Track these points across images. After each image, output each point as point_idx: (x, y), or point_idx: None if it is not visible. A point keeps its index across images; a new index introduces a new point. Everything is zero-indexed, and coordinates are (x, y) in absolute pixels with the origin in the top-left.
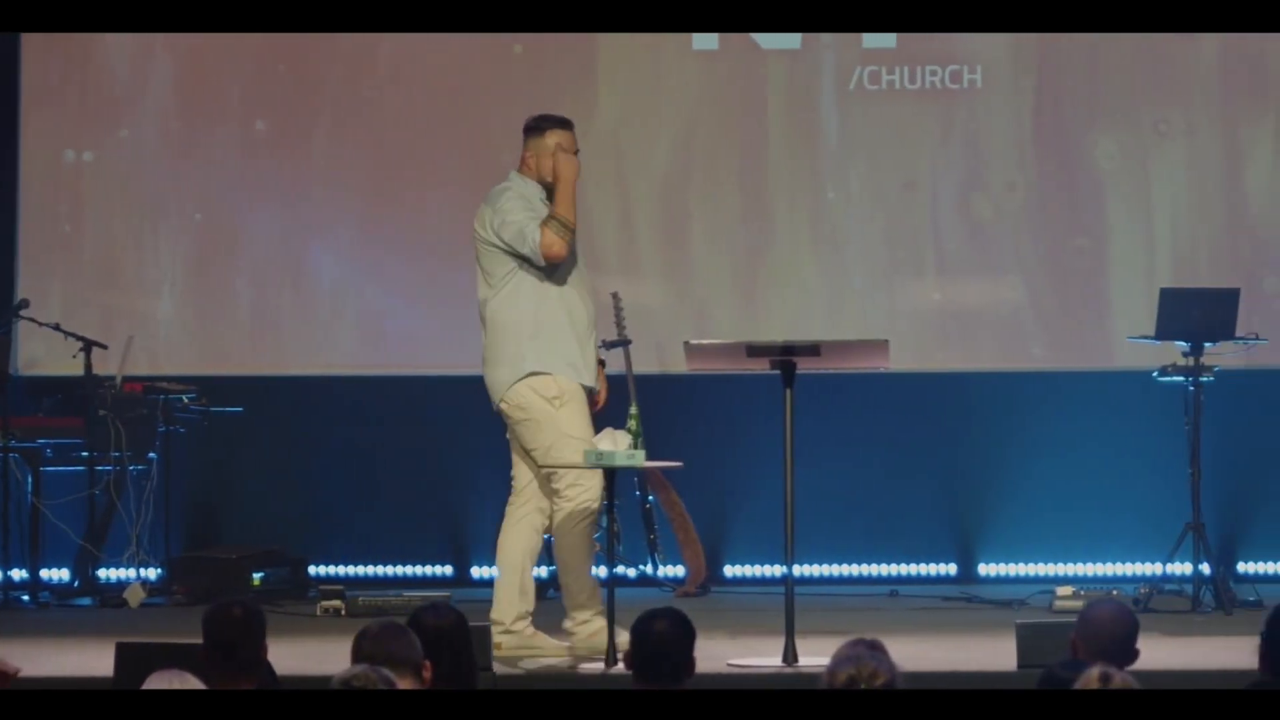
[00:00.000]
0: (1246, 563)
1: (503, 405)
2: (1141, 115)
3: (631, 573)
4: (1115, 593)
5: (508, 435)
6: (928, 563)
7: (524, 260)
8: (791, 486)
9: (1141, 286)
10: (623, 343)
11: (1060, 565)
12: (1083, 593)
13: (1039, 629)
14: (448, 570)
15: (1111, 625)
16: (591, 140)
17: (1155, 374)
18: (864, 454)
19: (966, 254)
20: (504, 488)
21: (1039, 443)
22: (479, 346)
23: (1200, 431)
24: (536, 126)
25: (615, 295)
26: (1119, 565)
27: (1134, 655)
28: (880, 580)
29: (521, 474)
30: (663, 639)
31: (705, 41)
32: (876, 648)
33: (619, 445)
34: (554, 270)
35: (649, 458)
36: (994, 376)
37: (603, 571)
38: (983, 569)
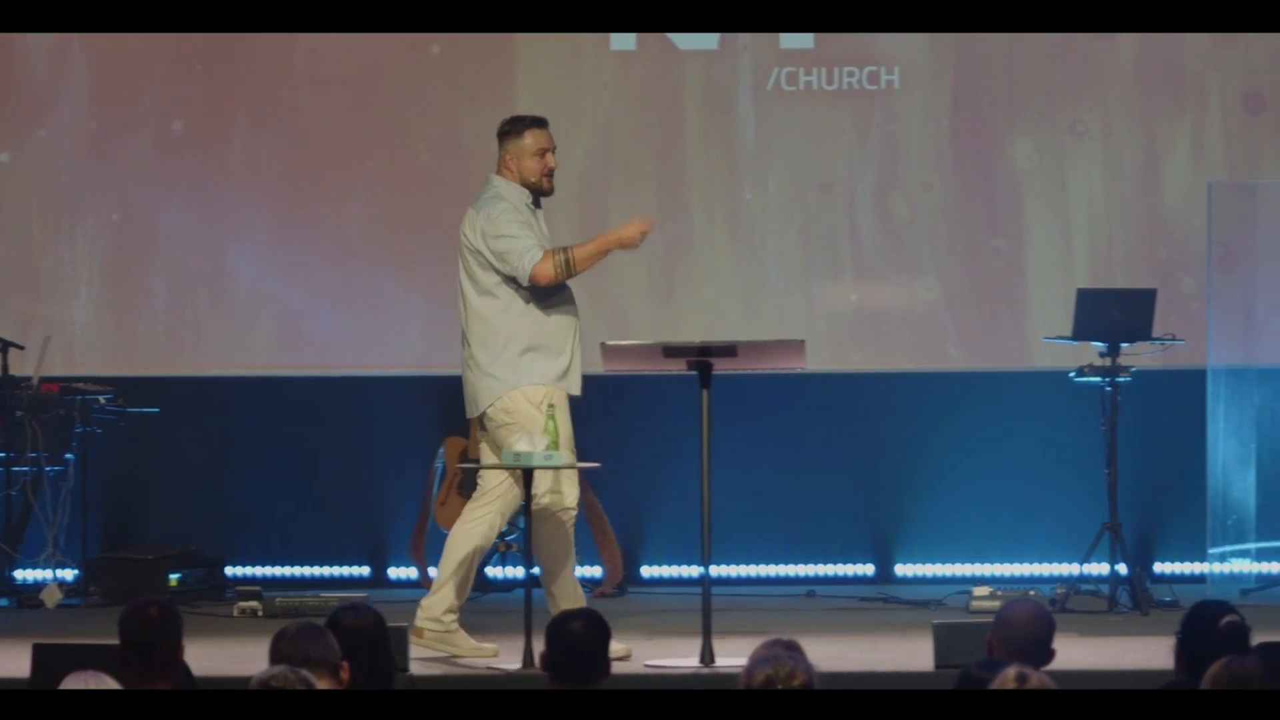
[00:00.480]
0: (1163, 563)
1: (489, 411)
2: (1059, 116)
3: None
4: (1032, 593)
5: (481, 439)
6: (845, 563)
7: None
8: (708, 487)
9: (1059, 287)
10: None
11: (977, 565)
12: (999, 593)
13: (956, 629)
14: (365, 571)
15: (1028, 625)
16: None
17: (1072, 374)
18: (781, 455)
19: (883, 254)
20: (419, 488)
21: (956, 443)
22: (395, 346)
23: (1117, 432)
24: (513, 129)
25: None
26: (1036, 565)
27: (1050, 655)
28: (797, 581)
29: (490, 477)
30: (578, 639)
31: (623, 42)
32: (793, 648)
33: (536, 446)
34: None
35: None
36: (911, 377)
37: (520, 572)
38: (900, 569)
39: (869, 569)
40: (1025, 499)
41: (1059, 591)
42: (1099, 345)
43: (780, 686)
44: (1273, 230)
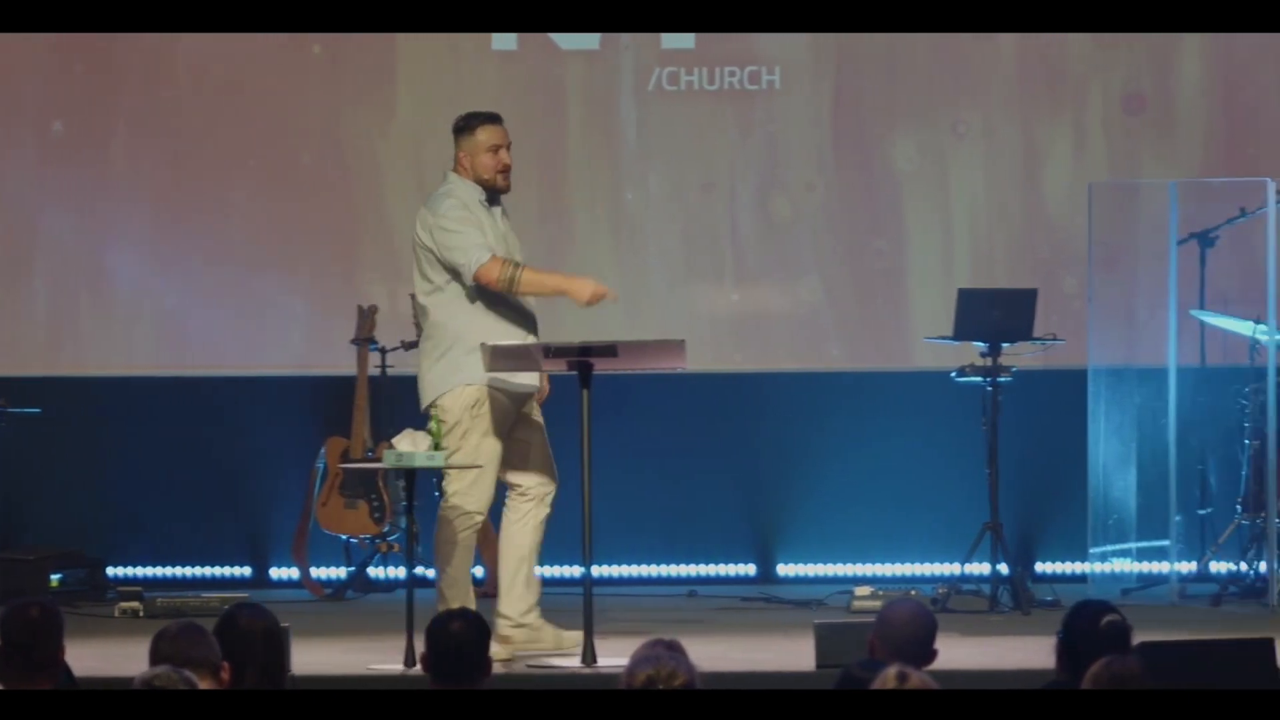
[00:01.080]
0: (1044, 562)
1: (433, 410)
2: (939, 116)
3: (431, 573)
4: (913, 592)
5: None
6: (726, 563)
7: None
8: (589, 487)
9: (940, 287)
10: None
11: (859, 565)
12: (881, 593)
13: (837, 629)
14: (246, 572)
15: (909, 625)
16: (391, 141)
17: (953, 374)
18: (662, 455)
19: (765, 255)
20: (300, 488)
21: (838, 443)
22: (276, 346)
23: (998, 432)
24: (466, 125)
25: (414, 296)
26: (917, 565)
27: (932, 655)
28: (679, 581)
29: (527, 476)
30: (457, 639)
31: (504, 42)
32: (675, 648)
33: (419, 446)
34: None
35: (448, 459)
36: (792, 377)
37: (401, 572)
38: (781, 569)
39: (750, 569)
40: (907, 499)
41: (940, 591)
42: (980, 345)
43: (661, 686)
44: (1153, 230)
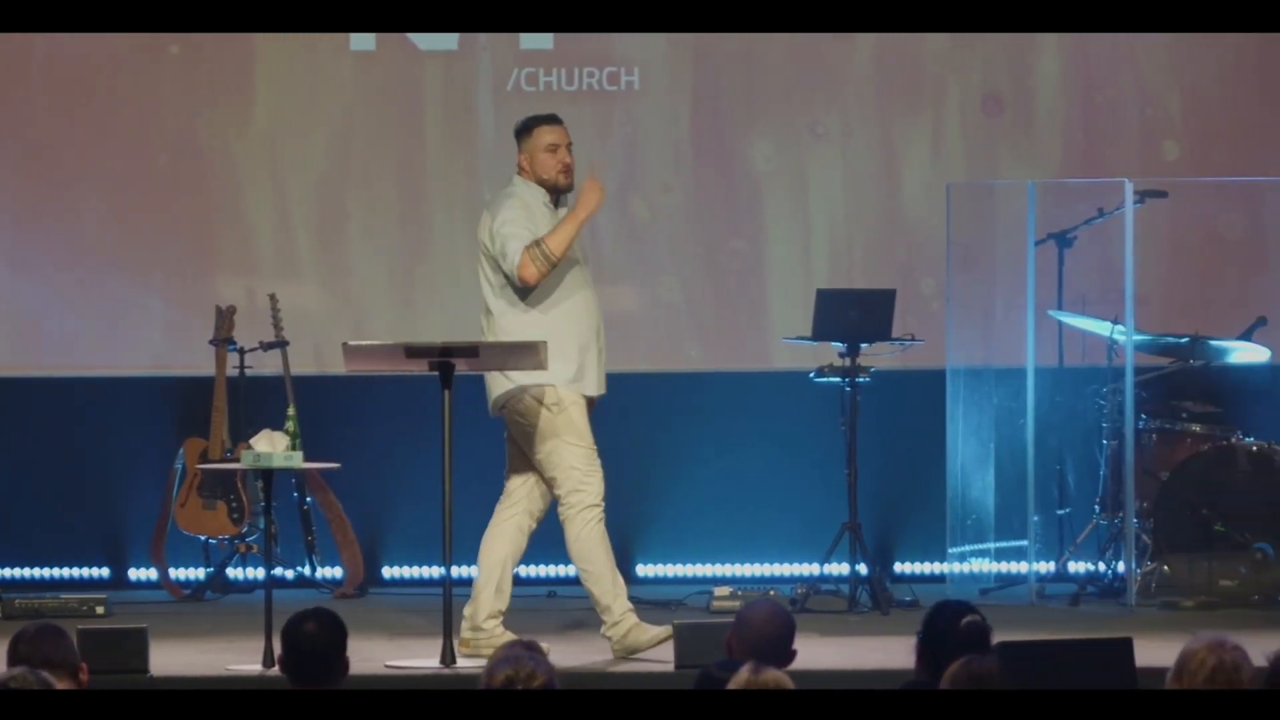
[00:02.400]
0: (903, 563)
1: (504, 412)
2: (798, 117)
3: (289, 574)
4: (772, 593)
5: (505, 438)
6: None
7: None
8: (449, 488)
9: (798, 287)
10: (280, 344)
11: (718, 565)
12: (740, 593)
13: (696, 629)
14: (104, 573)
15: (766, 625)
16: (248, 141)
17: (812, 375)
18: None
19: (623, 255)
20: (158, 489)
21: (696, 444)
22: (134, 347)
23: (856, 432)
24: (525, 127)
25: (273, 297)
26: (776, 565)
27: (790, 655)
28: (539, 581)
29: (515, 478)
30: (313, 640)
31: (362, 42)
32: (534, 648)
33: (276, 446)
34: (559, 280)
35: (306, 459)
36: (651, 377)
37: (260, 573)
38: (640, 569)
39: None
40: (766, 499)
41: (799, 591)
42: (838, 345)
43: (520, 687)
44: (1011, 230)
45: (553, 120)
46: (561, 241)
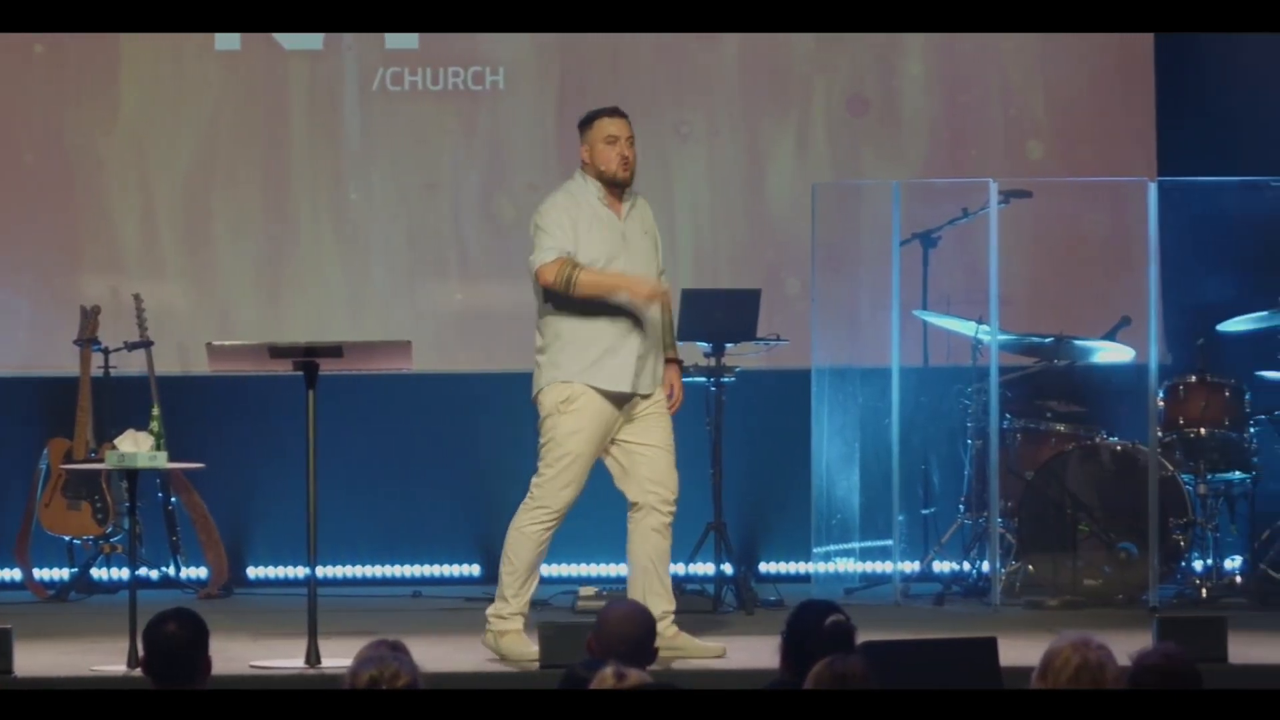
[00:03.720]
0: (768, 562)
1: (534, 398)
2: (663, 117)
3: (154, 575)
4: None
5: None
6: (451, 563)
7: None
8: (314, 488)
9: None
10: (144, 344)
11: (584, 565)
12: (605, 593)
13: (562, 629)
14: None
15: (625, 625)
16: (114, 141)
17: None
18: (387, 455)
19: (488, 255)
20: (23, 489)
21: None
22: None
23: (722, 432)
24: (587, 119)
25: (137, 296)
26: None
27: (652, 654)
28: (404, 581)
29: (629, 484)
30: (173, 640)
31: (228, 42)
32: (398, 648)
33: (141, 447)
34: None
35: (171, 459)
36: (516, 377)
37: (124, 573)
38: None
39: (475, 569)
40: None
41: None
42: (704, 345)
43: (385, 687)
44: (876, 230)
45: (614, 113)
46: (592, 287)
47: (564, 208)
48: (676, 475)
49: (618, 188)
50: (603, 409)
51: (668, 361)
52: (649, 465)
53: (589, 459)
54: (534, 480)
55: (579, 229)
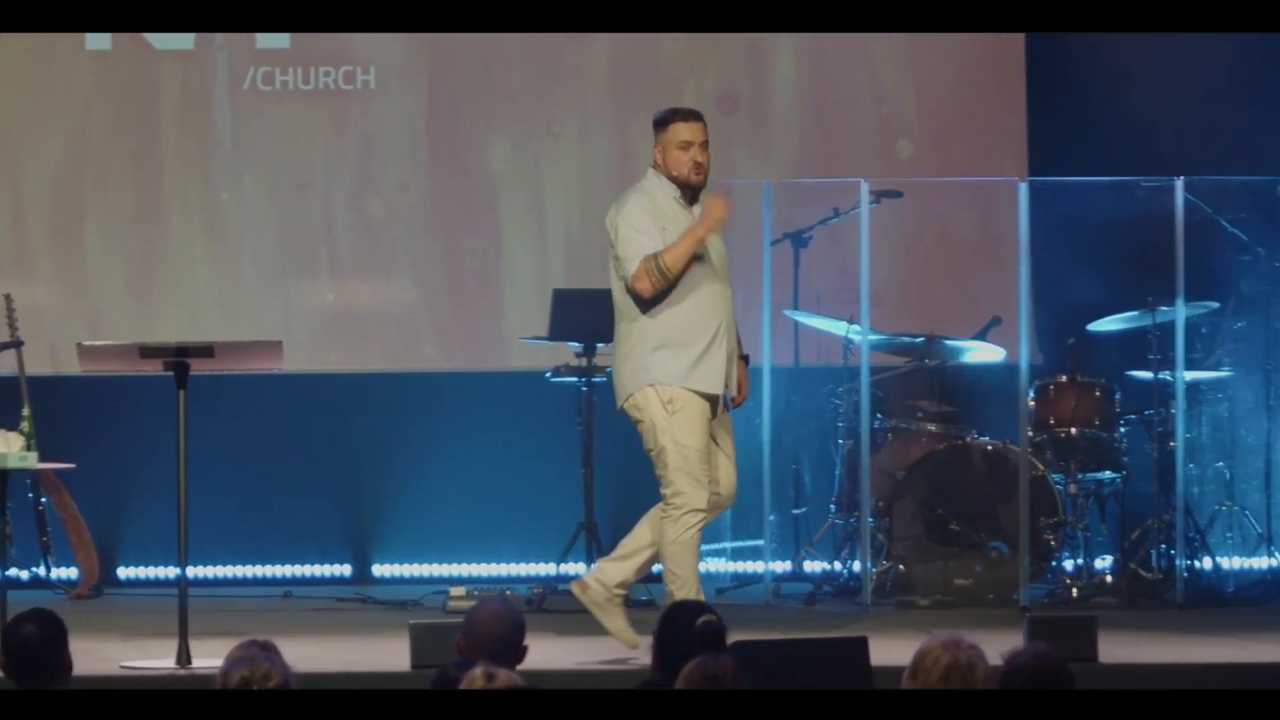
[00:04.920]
0: None
1: (625, 407)
2: (534, 116)
3: (24, 575)
4: (509, 592)
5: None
6: (322, 564)
7: None
8: (184, 489)
9: (535, 287)
10: (14, 344)
11: (455, 566)
12: (476, 593)
13: (432, 629)
14: None
15: (491, 624)
16: None
17: (548, 375)
18: (259, 455)
19: (360, 254)
20: None
21: (434, 443)
22: None
23: (593, 432)
24: (662, 120)
25: (7, 297)
26: (513, 565)
27: (521, 654)
28: (274, 582)
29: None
30: (31, 641)
31: (98, 41)
32: (269, 649)
33: (11, 447)
34: (683, 278)
35: (42, 459)
36: (388, 377)
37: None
38: (377, 570)
39: (346, 569)
40: (503, 499)
41: (536, 591)
42: (575, 345)
43: (256, 687)
44: (747, 230)
45: (689, 116)
46: (679, 258)
47: (647, 212)
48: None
49: (696, 191)
50: (703, 408)
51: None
52: (725, 469)
53: (705, 459)
54: (667, 491)
55: (666, 232)
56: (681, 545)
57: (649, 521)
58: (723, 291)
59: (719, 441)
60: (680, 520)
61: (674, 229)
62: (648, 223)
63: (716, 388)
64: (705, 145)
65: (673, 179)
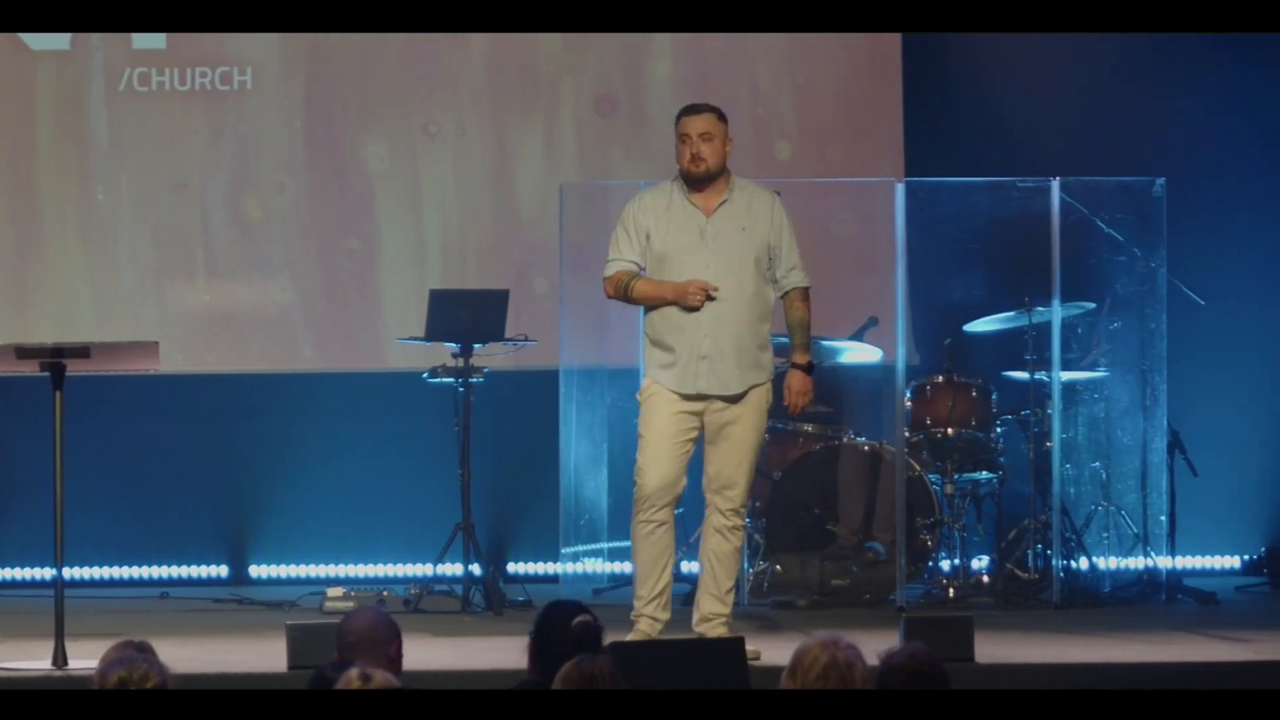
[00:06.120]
0: (516, 563)
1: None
2: (411, 117)
3: None
4: (385, 594)
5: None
6: (199, 565)
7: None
8: (61, 489)
9: (413, 288)
10: None
11: (332, 566)
12: (354, 593)
13: (309, 630)
14: None
15: (365, 633)
16: None
17: (426, 375)
18: (136, 456)
19: (237, 255)
20: None
21: (311, 444)
22: None
23: (470, 432)
24: (676, 118)
25: None
26: (391, 566)
27: (397, 662)
28: (151, 583)
29: (706, 483)
30: None
31: None
32: (145, 649)
33: None
34: (678, 276)
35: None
36: (265, 378)
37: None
38: (254, 571)
39: (223, 570)
40: (380, 500)
41: (413, 592)
42: (452, 346)
43: (134, 688)
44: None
45: (690, 110)
46: (644, 298)
47: (643, 208)
48: (744, 480)
49: (700, 183)
50: (672, 403)
51: (793, 366)
52: (714, 467)
53: (664, 447)
54: (637, 479)
55: (657, 225)
56: (634, 540)
57: (701, 542)
58: (727, 294)
59: (718, 441)
60: (635, 507)
61: (670, 222)
62: (633, 223)
63: (683, 387)
64: (706, 137)
65: (680, 173)
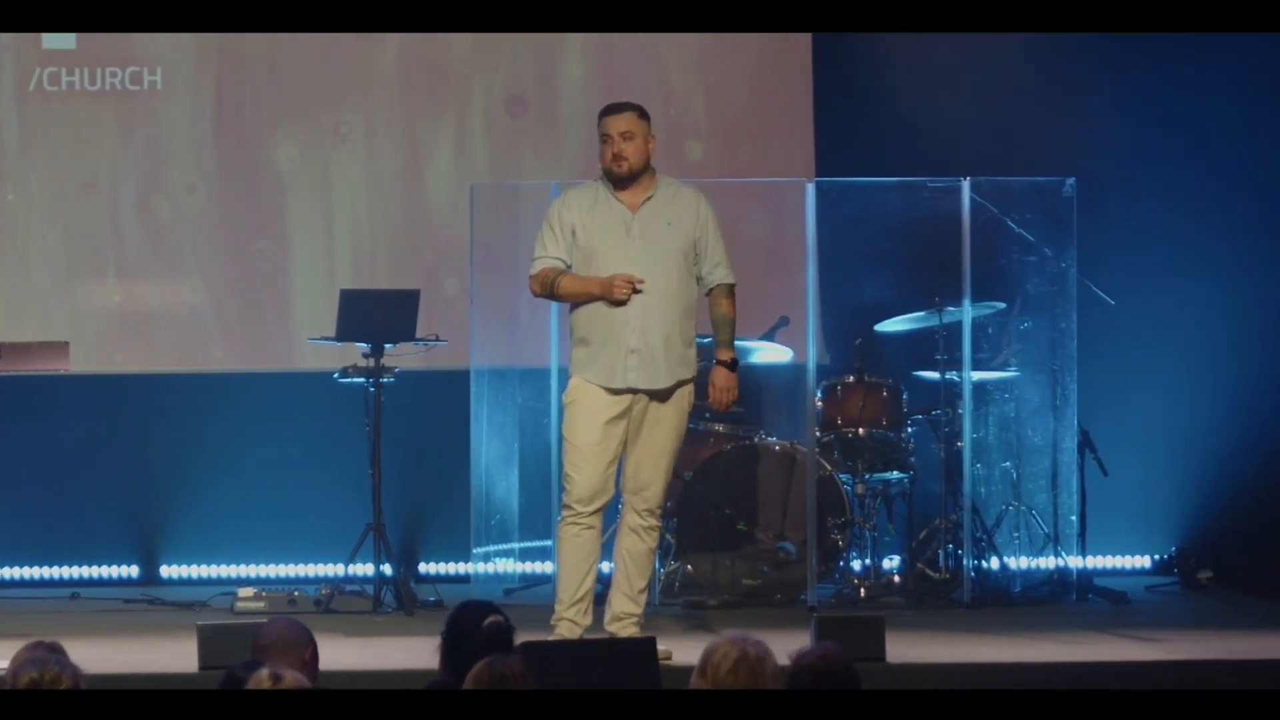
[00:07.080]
0: (428, 563)
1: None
2: (322, 117)
3: None
4: (296, 594)
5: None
6: (109, 565)
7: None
8: None
9: (323, 288)
10: None
11: (243, 567)
12: (265, 593)
13: (220, 630)
14: None
15: (284, 631)
16: None
17: (336, 375)
18: (45, 456)
19: (147, 255)
20: None
21: (222, 445)
22: None
23: (381, 433)
24: (599, 115)
25: None
26: (302, 566)
27: (314, 670)
28: (61, 583)
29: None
30: None
31: None
32: (56, 650)
33: None
34: (605, 271)
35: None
36: (175, 379)
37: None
38: (165, 571)
39: (134, 570)
40: (291, 500)
41: (324, 592)
42: (363, 346)
43: (45, 689)
44: (534, 232)
45: (611, 109)
46: (571, 291)
47: (568, 205)
48: (661, 480)
49: (623, 182)
50: (599, 400)
51: (717, 363)
52: (632, 465)
53: (592, 455)
54: (565, 484)
55: (583, 222)
56: (559, 543)
57: (616, 541)
58: (654, 287)
59: (638, 439)
60: (563, 517)
61: (594, 218)
62: (557, 220)
63: (610, 381)
64: (627, 135)
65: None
